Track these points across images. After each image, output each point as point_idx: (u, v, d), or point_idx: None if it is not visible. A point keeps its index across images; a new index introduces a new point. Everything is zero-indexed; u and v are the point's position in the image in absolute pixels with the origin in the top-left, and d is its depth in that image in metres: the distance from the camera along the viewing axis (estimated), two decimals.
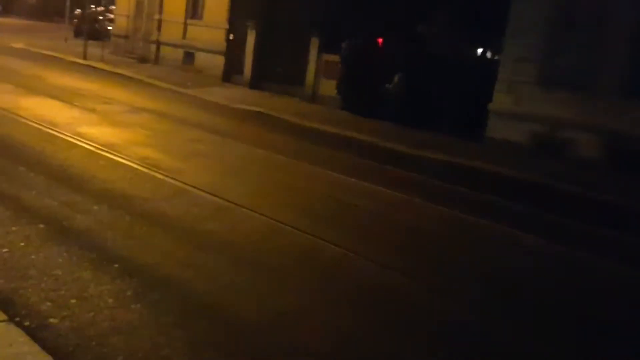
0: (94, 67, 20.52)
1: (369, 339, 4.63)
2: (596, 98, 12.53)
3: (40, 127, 10.11)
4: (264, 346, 4.31)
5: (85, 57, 21.92)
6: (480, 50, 18.34)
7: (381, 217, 7.98)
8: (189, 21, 21.90)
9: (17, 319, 4.10)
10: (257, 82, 19.26)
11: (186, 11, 21.91)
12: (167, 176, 8.14)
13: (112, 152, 9.01)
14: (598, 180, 11.46)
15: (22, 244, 5.33)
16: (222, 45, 20.35)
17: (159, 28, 22.92)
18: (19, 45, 24.65)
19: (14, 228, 5.65)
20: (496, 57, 15.73)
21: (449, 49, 15.77)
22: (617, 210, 9.89)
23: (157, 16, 22.93)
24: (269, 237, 6.50)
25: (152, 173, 8.24)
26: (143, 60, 23.08)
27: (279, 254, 6.04)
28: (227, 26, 20.29)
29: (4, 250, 5.15)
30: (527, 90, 13.43)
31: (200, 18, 21.56)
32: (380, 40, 16.66)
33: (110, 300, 4.56)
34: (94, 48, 22.50)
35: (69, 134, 9.78)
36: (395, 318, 5.04)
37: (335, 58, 16.93)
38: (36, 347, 3.77)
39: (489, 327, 5.11)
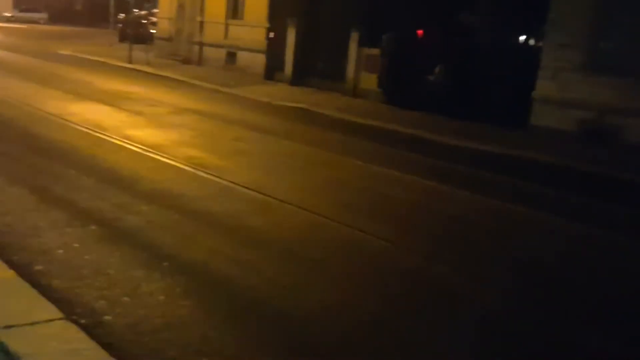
0: (139, 71, 20.97)
1: (412, 329, 4.65)
2: None
3: (89, 131, 10.40)
4: (311, 340, 4.38)
5: (130, 61, 22.41)
6: (522, 38, 18.06)
7: (424, 208, 7.97)
8: (229, 21, 22.17)
9: (74, 316, 4.25)
10: (298, 79, 19.37)
11: (227, 12, 22.20)
12: (212, 175, 8.29)
13: (159, 153, 9.22)
14: None
15: (76, 245, 5.52)
16: (263, 43, 20.54)
17: (201, 29, 23.28)
18: (65, 51, 25.37)
19: (68, 230, 5.85)
20: (539, 44, 15.47)
21: (491, 38, 15.59)
22: None
23: (198, 18, 23.29)
24: (313, 231, 6.58)
25: (198, 172, 8.40)
26: (186, 61, 23.47)
27: (324, 248, 6.11)
28: (267, 24, 20.47)
29: (59, 251, 5.35)
30: (572, 76, 13.16)
31: (241, 18, 21.82)
32: (420, 31, 16.57)
33: (162, 297, 4.69)
34: (138, 52, 22.97)
35: (117, 137, 10.05)
36: (437, 308, 5.05)
37: (376, 52, 16.91)
38: (92, 344, 3.91)
39: (530, 317, 5.07)
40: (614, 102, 12.57)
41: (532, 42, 16.73)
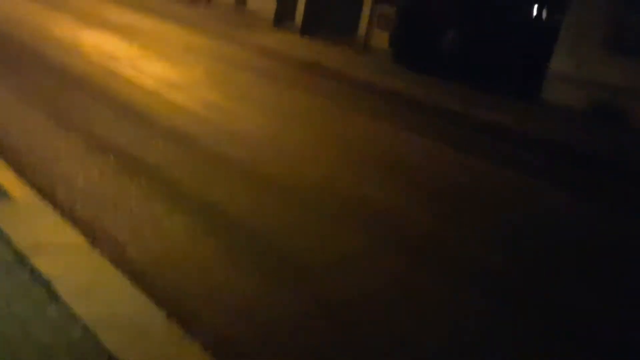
0: (148, 6, 20.54)
1: (417, 279, 4.71)
2: None
3: (102, 61, 10.24)
4: (328, 287, 4.42)
5: None
6: (542, 9, 17.83)
7: (427, 171, 8.01)
8: None
9: (97, 246, 4.25)
10: (308, 29, 19.10)
11: None
12: (227, 119, 8.24)
13: (173, 91, 9.11)
14: None
15: (96, 173, 5.49)
16: None
17: None
18: None
19: (87, 158, 5.81)
20: (559, 18, 15.30)
21: (510, 6, 15.39)
22: None
23: None
24: (327, 183, 6.58)
25: (212, 115, 8.34)
26: (195, 0, 23.01)
27: (338, 199, 6.13)
28: None
29: (80, 178, 5.32)
30: (590, 54, 13.08)
31: None
32: None
33: (183, 235, 4.70)
34: None
35: (131, 70, 9.90)
36: (441, 263, 5.10)
37: (390, 10, 16.67)
38: (117, 272, 3.92)
39: (531, 276, 5.14)
40: (628, 85, 12.53)
41: (551, 14, 16.55)
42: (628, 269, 6.01)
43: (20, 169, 5.13)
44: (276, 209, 5.58)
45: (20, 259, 3.74)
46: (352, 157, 7.75)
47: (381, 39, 17.10)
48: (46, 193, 4.82)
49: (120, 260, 4.14)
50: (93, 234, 4.41)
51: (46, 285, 3.53)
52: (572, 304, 4.89)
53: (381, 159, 8.04)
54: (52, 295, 3.47)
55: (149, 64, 10.74)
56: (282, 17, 20.03)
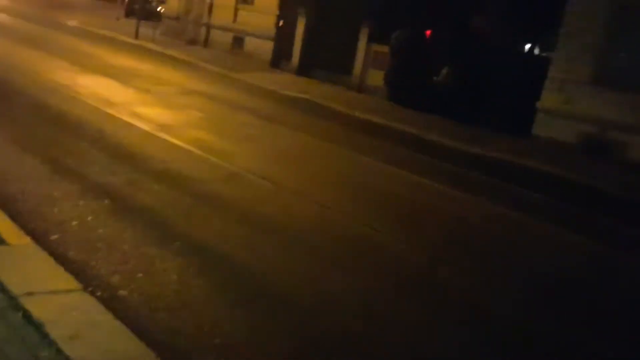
0: (145, 48, 20.92)
1: (410, 321, 4.77)
2: None
3: (98, 105, 10.42)
4: (317, 327, 4.48)
5: (137, 37, 22.35)
6: (531, 46, 18.18)
7: (423, 206, 8.11)
8: (239, 5, 22.15)
9: (90, 289, 4.33)
10: (304, 69, 19.42)
11: None
12: (220, 159, 8.36)
13: (167, 133, 9.27)
14: None
15: (90, 217, 5.59)
16: (271, 30, 20.55)
17: (209, 11, 23.22)
18: (73, 23, 25.23)
19: (81, 202, 5.92)
20: (545, 54, 15.60)
21: (500, 44, 15.68)
22: None
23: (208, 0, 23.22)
24: (319, 221, 6.69)
25: (207, 155, 8.47)
26: (192, 42, 23.43)
27: (330, 238, 6.24)
28: (277, 12, 20.47)
29: (74, 222, 5.42)
30: (579, 89, 13.31)
31: (251, 3, 21.79)
32: (428, 32, 16.66)
33: (175, 276, 4.78)
34: (144, 28, 22.89)
35: (126, 114, 10.08)
36: (434, 303, 5.17)
37: (384, 48, 16.98)
38: (109, 316, 4.00)
39: (525, 320, 5.19)
40: (618, 118, 12.73)
41: (540, 52, 16.88)
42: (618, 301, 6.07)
43: (16, 215, 5.24)
44: (270, 249, 5.67)
45: (14, 303, 3.82)
46: (347, 195, 7.88)
47: (377, 78, 17.36)
48: (41, 238, 4.91)
49: (112, 302, 4.22)
50: (86, 278, 4.49)
51: (39, 329, 3.61)
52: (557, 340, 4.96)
53: (375, 196, 8.15)
54: (45, 338, 3.55)
55: (145, 107, 10.93)
56: (279, 57, 20.37)
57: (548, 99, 13.87)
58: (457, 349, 4.55)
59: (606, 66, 13.14)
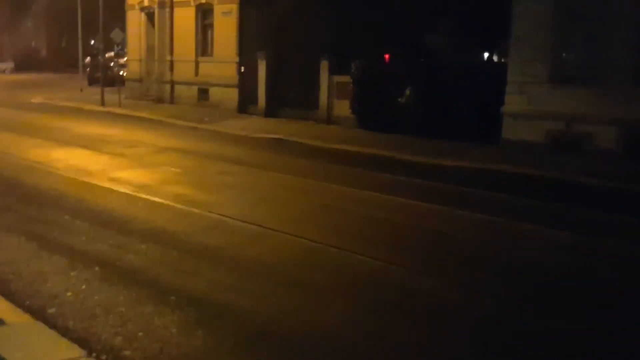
0: (113, 113, 21.13)
1: (411, 345, 4.92)
2: (608, 90, 12.78)
3: (75, 176, 10.55)
4: None
5: (103, 104, 22.57)
6: (487, 55, 18.68)
7: (410, 227, 8.27)
8: (200, 59, 22.51)
9: (94, 354, 4.44)
10: (272, 110, 19.72)
11: (196, 50, 22.55)
12: (202, 210, 8.51)
13: (147, 193, 9.41)
14: (618, 171, 11.68)
15: (83, 286, 5.70)
16: (234, 78, 20.90)
17: (171, 69, 23.56)
18: (37, 99, 25.40)
19: (72, 273, 6.02)
20: (503, 60, 16.04)
21: (457, 57, 16.13)
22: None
23: (168, 57, 23.58)
24: (307, 257, 6.83)
25: (188, 208, 8.61)
26: (159, 101, 23.70)
27: (320, 272, 6.38)
28: (237, 59, 20.84)
29: (68, 294, 5.52)
30: (539, 89, 13.72)
31: (211, 54, 22.17)
32: (386, 56, 17.07)
33: (174, 330, 4.89)
34: (109, 94, 23.15)
35: (104, 180, 10.22)
36: (432, 323, 5.32)
37: (346, 78, 17.34)
38: None
39: (518, 324, 5.36)
40: (580, 111, 13.13)
41: (496, 58, 17.36)
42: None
43: (11, 295, 5.34)
44: (263, 291, 5.79)
45: None
46: (329, 227, 8.01)
47: (343, 108, 17.69)
48: (39, 313, 5.02)
49: None
50: (89, 344, 4.59)
51: None
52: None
53: (361, 224, 8.30)
54: None
55: (121, 171, 11.07)
56: (245, 103, 20.67)
57: (511, 102, 14.24)
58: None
59: (560, 63, 13.61)
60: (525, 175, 11.72)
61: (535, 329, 5.19)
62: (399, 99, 16.36)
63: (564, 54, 13.76)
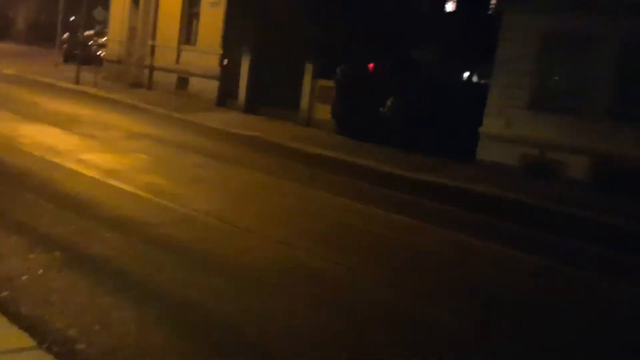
0: (87, 93, 20.68)
1: (376, 352, 4.80)
2: (585, 121, 12.94)
3: (43, 154, 10.21)
4: None
5: (78, 83, 22.10)
6: (470, 75, 18.76)
7: (378, 236, 8.22)
8: (182, 47, 22.19)
9: (45, 345, 4.21)
10: (251, 107, 19.51)
11: (180, 37, 22.21)
12: (172, 202, 8.28)
13: (116, 179, 9.14)
14: (586, 200, 11.86)
15: (41, 271, 5.45)
16: (216, 70, 20.61)
17: (152, 53, 23.18)
18: (10, 71, 24.77)
19: (31, 256, 5.76)
20: (483, 82, 16.12)
21: (441, 74, 16.14)
22: (606, 228, 10.32)
23: (150, 41, 23.20)
24: (277, 259, 6.68)
25: (158, 199, 8.38)
26: (136, 85, 23.27)
27: (289, 275, 6.24)
28: (221, 51, 20.56)
29: (24, 277, 5.27)
30: (517, 113, 13.81)
31: (194, 44, 21.87)
32: (371, 65, 17.01)
33: (133, 326, 4.68)
34: (85, 73, 22.68)
35: (72, 162, 9.91)
36: (396, 333, 5.21)
37: (329, 83, 17.23)
38: None
39: (485, 342, 5.29)
40: (555, 139, 13.26)
41: (479, 79, 17.44)
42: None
43: None
44: (230, 291, 5.63)
45: None
46: (303, 231, 7.88)
47: (324, 112, 17.57)
48: None
49: (70, 358, 4.11)
50: (41, 334, 4.36)
51: None
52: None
53: (332, 230, 8.20)
54: None
55: (91, 154, 10.77)
56: (225, 96, 20.42)
57: (489, 124, 14.28)
58: None
59: (541, 91, 13.72)
60: (498, 196, 11.79)
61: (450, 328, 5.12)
62: (381, 109, 16.30)
63: (544, 83, 13.87)
